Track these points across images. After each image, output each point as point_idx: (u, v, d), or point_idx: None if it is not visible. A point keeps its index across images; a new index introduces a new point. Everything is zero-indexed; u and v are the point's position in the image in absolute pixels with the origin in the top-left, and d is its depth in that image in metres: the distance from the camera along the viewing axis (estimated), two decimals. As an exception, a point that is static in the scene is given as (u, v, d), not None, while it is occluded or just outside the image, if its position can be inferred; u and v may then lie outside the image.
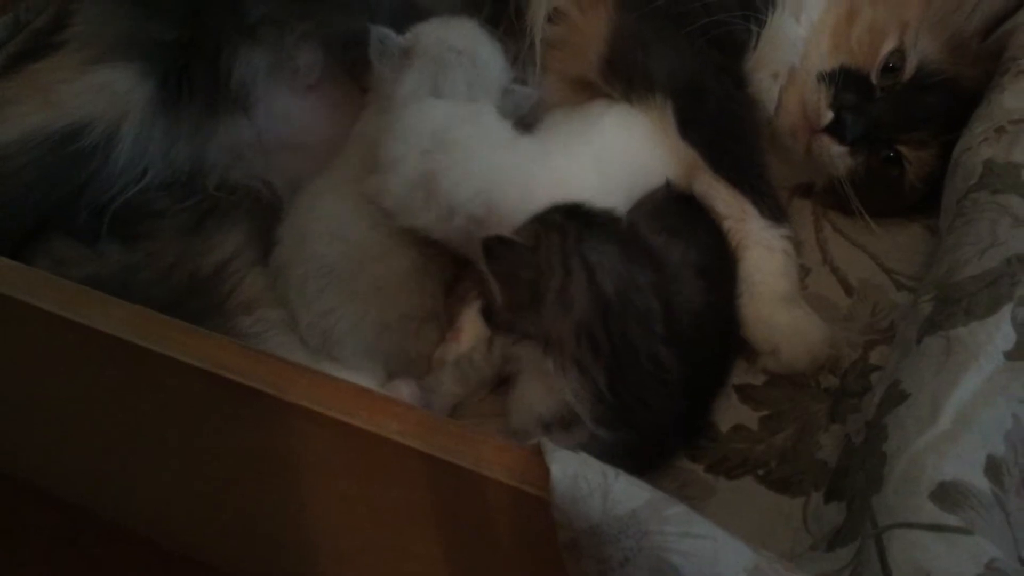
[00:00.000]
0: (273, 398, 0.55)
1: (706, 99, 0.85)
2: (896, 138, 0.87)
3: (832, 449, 0.74)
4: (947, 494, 0.56)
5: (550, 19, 0.94)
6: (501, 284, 0.68)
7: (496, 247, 0.67)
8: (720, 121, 0.85)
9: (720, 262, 0.79)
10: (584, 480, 0.50)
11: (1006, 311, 0.65)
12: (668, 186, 0.81)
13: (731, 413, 0.78)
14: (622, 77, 0.87)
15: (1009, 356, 0.63)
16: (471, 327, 0.79)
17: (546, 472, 0.50)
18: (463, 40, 0.85)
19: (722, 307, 0.77)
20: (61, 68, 0.86)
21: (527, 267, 0.67)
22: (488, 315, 0.75)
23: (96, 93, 0.84)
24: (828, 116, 0.86)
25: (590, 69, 0.90)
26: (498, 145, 0.81)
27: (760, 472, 0.74)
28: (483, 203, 0.76)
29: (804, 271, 0.88)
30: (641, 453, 0.67)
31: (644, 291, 0.67)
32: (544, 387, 0.68)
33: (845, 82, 0.86)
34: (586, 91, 0.91)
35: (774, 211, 0.83)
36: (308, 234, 0.81)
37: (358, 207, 0.81)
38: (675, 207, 0.80)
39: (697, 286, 0.74)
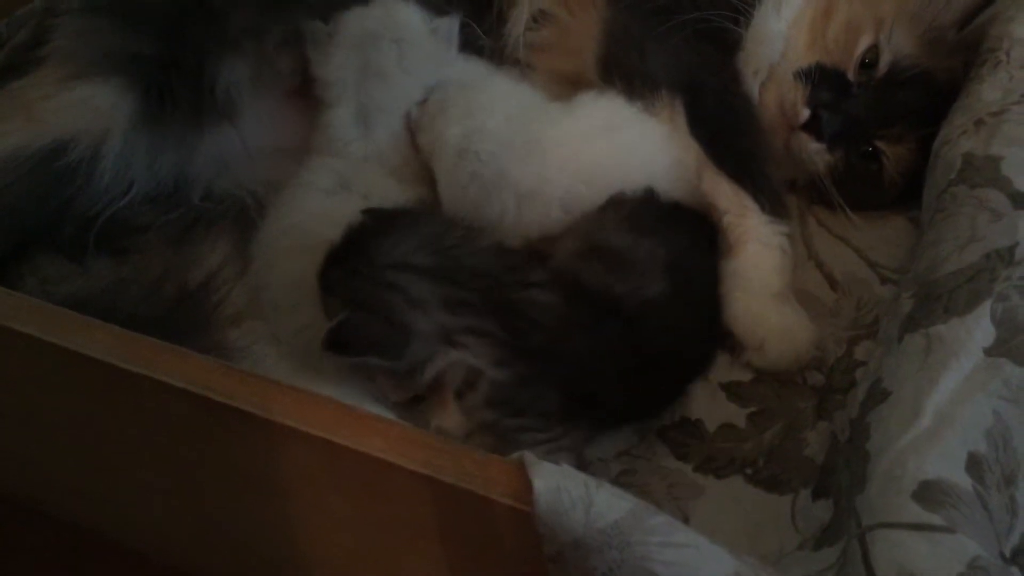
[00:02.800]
0: (257, 417, 0.55)
1: (705, 95, 0.86)
2: (873, 133, 0.88)
3: (819, 446, 0.75)
4: (929, 493, 0.57)
5: (535, 21, 0.94)
6: (379, 355, 0.67)
7: (338, 339, 0.66)
8: (720, 117, 0.86)
9: (693, 263, 0.79)
10: (566, 492, 0.51)
11: (985, 307, 0.65)
12: (647, 192, 0.81)
13: (719, 411, 0.78)
14: (621, 75, 0.87)
15: (989, 352, 0.63)
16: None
17: (529, 486, 0.50)
18: (382, 23, 0.87)
19: (689, 302, 0.77)
20: (42, 85, 0.86)
21: (374, 322, 0.67)
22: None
23: (78, 109, 0.84)
24: (805, 114, 0.87)
25: (585, 68, 0.91)
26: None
27: (748, 471, 0.74)
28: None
29: (789, 266, 0.89)
30: (542, 381, 0.69)
31: (445, 233, 0.72)
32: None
33: (821, 79, 0.87)
34: (577, 88, 0.90)
35: (775, 206, 0.83)
36: (276, 252, 0.81)
37: (327, 208, 0.82)
38: (649, 210, 0.80)
39: (660, 280, 0.74)
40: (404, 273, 0.68)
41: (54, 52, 0.87)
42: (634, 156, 0.83)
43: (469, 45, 0.93)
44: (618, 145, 0.83)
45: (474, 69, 0.92)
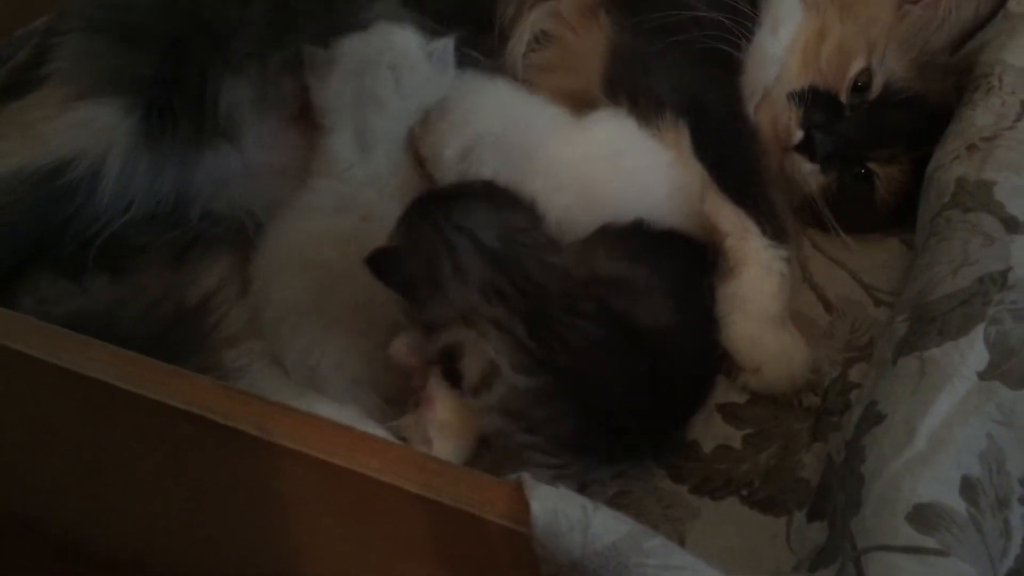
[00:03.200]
0: (255, 438, 0.55)
1: (709, 117, 0.87)
2: (865, 155, 0.89)
3: (814, 468, 0.75)
4: (923, 516, 0.57)
5: (537, 41, 0.95)
6: (403, 294, 0.70)
7: (380, 261, 0.69)
8: (724, 139, 0.86)
9: (688, 291, 0.79)
10: (564, 515, 0.51)
11: (979, 331, 0.66)
12: (637, 222, 0.81)
13: (715, 432, 0.79)
14: (626, 95, 0.88)
15: (982, 376, 0.64)
16: (441, 393, 0.76)
17: (526, 508, 0.51)
18: (379, 49, 0.88)
19: (692, 331, 0.77)
20: (43, 105, 0.86)
21: (416, 266, 0.69)
22: (452, 377, 0.76)
23: (79, 129, 0.84)
24: (798, 135, 0.88)
25: (590, 87, 0.91)
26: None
27: (744, 492, 0.74)
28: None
29: (784, 289, 0.89)
30: (562, 403, 0.68)
31: (527, 230, 0.71)
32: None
33: (814, 101, 0.88)
34: (579, 106, 0.91)
35: (776, 230, 0.84)
36: (276, 271, 0.82)
37: (326, 229, 0.82)
38: (640, 239, 0.80)
39: (664, 306, 0.74)
40: (464, 239, 0.69)
41: (55, 72, 0.88)
42: (635, 184, 0.83)
43: (470, 66, 0.93)
44: (621, 171, 0.84)
45: (474, 78, 0.92)
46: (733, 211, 0.83)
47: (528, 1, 0.95)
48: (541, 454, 0.68)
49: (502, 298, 0.68)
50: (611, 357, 0.70)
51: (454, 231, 0.69)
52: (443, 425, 0.74)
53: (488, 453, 0.74)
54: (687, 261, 0.81)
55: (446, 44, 0.90)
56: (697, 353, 0.77)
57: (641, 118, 0.86)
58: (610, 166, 0.84)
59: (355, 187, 0.86)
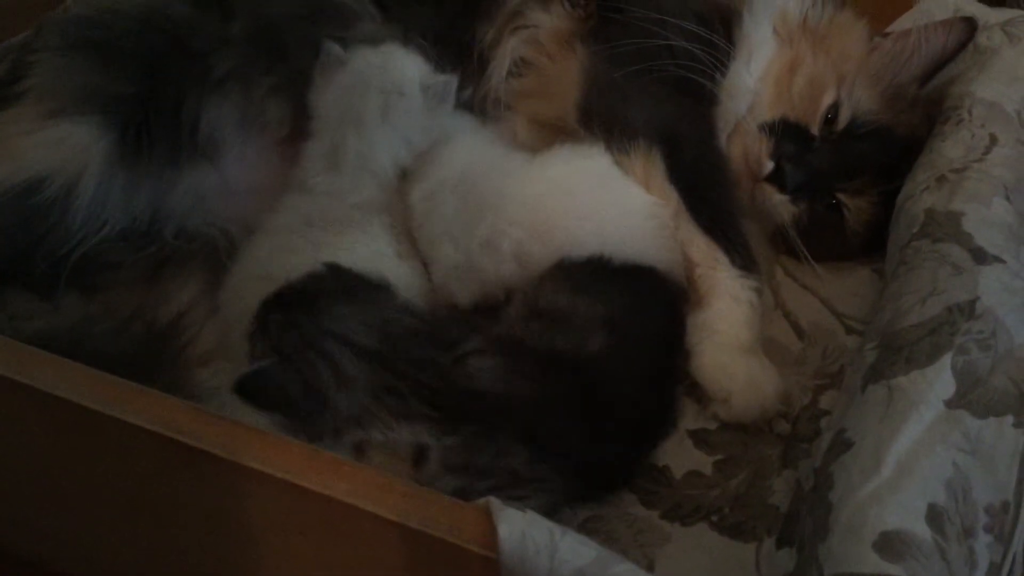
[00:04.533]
0: (224, 460, 0.55)
1: (684, 146, 0.87)
2: (835, 186, 0.90)
3: (784, 494, 0.75)
4: (889, 543, 0.57)
5: (516, 67, 0.95)
6: (285, 415, 0.65)
7: (251, 386, 0.65)
8: (697, 169, 0.87)
9: (637, 321, 0.79)
10: (531, 539, 0.51)
11: (946, 360, 0.66)
12: (591, 256, 0.81)
13: (686, 458, 0.79)
14: (601, 124, 0.88)
15: (949, 404, 0.64)
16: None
17: (494, 532, 0.51)
18: (377, 71, 0.88)
19: (636, 360, 0.77)
20: (19, 121, 0.86)
21: (293, 383, 0.65)
22: None
23: (55, 147, 0.84)
24: (768, 166, 0.88)
25: (566, 115, 0.92)
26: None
27: (714, 518, 0.74)
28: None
29: (757, 315, 0.90)
30: (499, 440, 0.68)
31: (395, 319, 0.70)
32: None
33: (785, 133, 0.89)
34: (558, 133, 0.92)
35: (745, 261, 0.84)
36: (241, 290, 0.81)
37: (288, 248, 0.82)
38: (589, 271, 0.80)
39: (598, 336, 0.74)
40: (343, 347, 0.67)
41: (32, 89, 0.88)
42: (591, 219, 0.83)
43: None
44: (575, 207, 0.84)
45: (458, 125, 0.92)
46: (704, 241, 0.84)
47: (508, 27, 0.96)
48: (505, 491, 0.67)
49: (394, 392, 0.66)
50: (525, 380, 0.70)
51: (327, 339, 0.66)
52: None
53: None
54: (645, 293, 0.81)
55: (448, 82, 0.89)
56: (643, 381, 0.77)
57: (614, 147, 0.86)
58: (564, 202, 0.84)
59: (319, 198, 0.86)
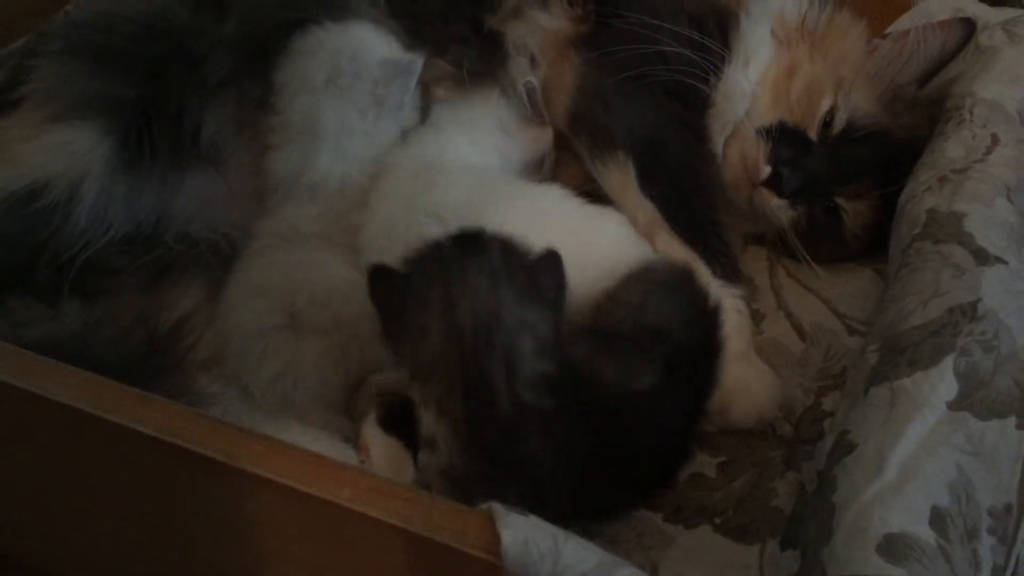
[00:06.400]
0: (226, 465, 0.55)
1: (667, 154, 0.87)
2: (833, 190, 0.90)
3: (787, 496, 0.75)
4: (893, 546, 0.57)
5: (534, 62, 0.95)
6: (381, 317, 0.67)
7: (378, 277, 0.67)
8: (679, 177, 0.87)
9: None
10: (535, 545, 0.51)
11: (948, 361, 0.66)
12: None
13: (689, 460, 0.79)
14: (585, 131, 0.89)
15: (951, 406, 0.64)
16: (376, 440, 0.76)
17: (497, 537, 0.51)
18: (331, 37, 0.87)
19: (676, 400, 0.73)
20: (20, 126, 0.86)
21: (409, 299, 0.66)
22: (386, 422, 0.76)
23: (56, 152, 0.84)
24: (766, 171, 0.88)
25: (558, 120, 0.92)
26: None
27: (717, 520, 0.74)
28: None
29: (759, 316, 0.90)
30: (504, 488, 0.62)
31: (511, 331, 0.65)
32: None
33: (782, 137, 0.88)
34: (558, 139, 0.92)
35: (727, 271, 0.84)
36: (236, 299, 0.82)
37: (279, 261, 0.83)
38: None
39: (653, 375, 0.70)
40: (440, 305, 0.65)
41: (32, 94, 0.87)
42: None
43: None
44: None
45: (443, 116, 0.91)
46: (683, 252, 0.84)
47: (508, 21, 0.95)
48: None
49: (448, 380, 0.64)
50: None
51: (440, 290, 0.65)
52: (380, 469, 0.73)
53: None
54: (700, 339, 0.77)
55: (413, 60, 0.87)
56: (672, 425, 0.73)
57: (595, 157, 0.87)
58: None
59: (302, 207, 0.86)
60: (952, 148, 0.85)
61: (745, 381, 0.80)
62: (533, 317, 0.66)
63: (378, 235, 0.83)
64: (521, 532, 0.51)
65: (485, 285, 0.65)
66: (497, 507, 0.52)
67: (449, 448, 0.64)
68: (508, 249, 0.68)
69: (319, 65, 0.86)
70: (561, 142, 0.95)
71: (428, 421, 0.66)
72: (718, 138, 0.91)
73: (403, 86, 0.87)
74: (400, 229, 0.81)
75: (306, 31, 0.88)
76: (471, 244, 0.68)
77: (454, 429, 0.64)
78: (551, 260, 0.69)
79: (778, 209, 0.89)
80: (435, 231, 0.74)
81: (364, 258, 0.81)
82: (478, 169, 0.87)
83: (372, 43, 0.88)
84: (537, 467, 0.64)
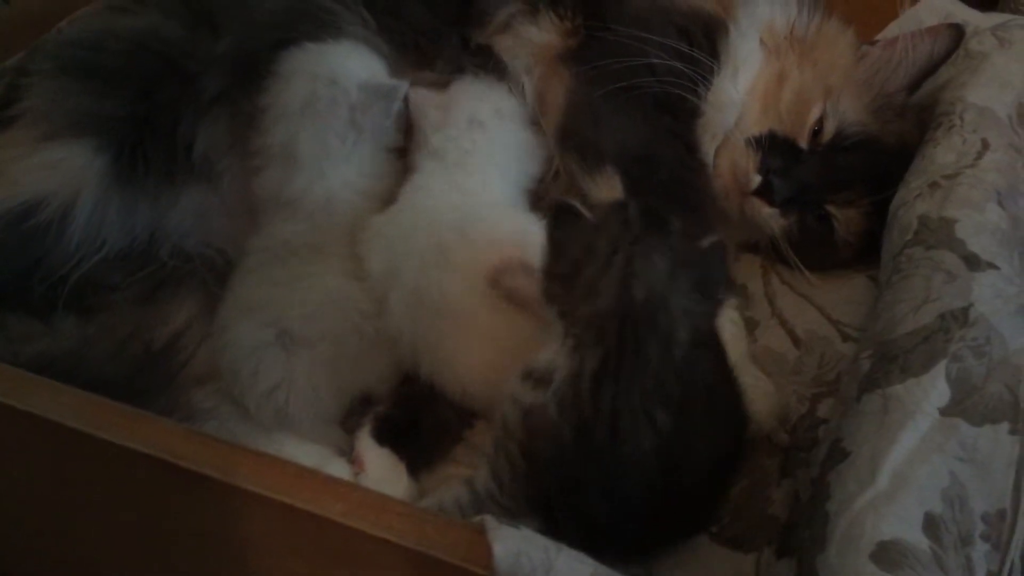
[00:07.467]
0: (219, 481, 0.55)
1: (657, 167, 0.87)
2: (824, 198, 0.90)
3: (783, 504, 0.75)
4: (886, 553, 0.58)
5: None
6: (552, 249, 0.67)
7: (563, 213, 0.66)
8: (670, 189, 0.86)
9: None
10: (527, 557, 0.51)
11: (940, 368, 0.66)
12: None
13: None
14: (575, 147, 0.89)
15: (944, 412, 0.64)
16: (370, 452, 0.77)
17: (489, 551, 0.51)
18: (314, 58, 0.87)
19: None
20: (14, 145, 0.86)
21: (580, 243, 0.65)
22: (380, 434, 0.76)
23: (50, 170, 0.84)
24: (756, 180, 0.88)
25: (550, 136, 0.92)
26: None
27: (713, 529, 0.74)
28: None
29: (753, 324, 0.90)
30: (579, 458, 0.64)
31: (673, 316, 0.64)
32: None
33: (772, 146, 0.89)
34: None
35: None
36: (227, 322, 0.82)
37: (272, 276, 0.83)
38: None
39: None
40: (620, 271, 0.63)
41: (26, 112, 0.88)
42: None
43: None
44: None
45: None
46: None
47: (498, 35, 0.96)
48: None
49: (599, 336, 0.63)
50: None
51: (623, 256, 0.63)
52: (375, 482, 0.74)
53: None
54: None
55: (396, 86, 0.87)
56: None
57: (585, 172, 0.87)
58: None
59: (298, 223, 0.86)
60: (943, 154, 0.85)
61: None
62: (698, 309, 0.65)
63: None
64: (513, 545, 0.51)
65: (664, 268, 0.64)
66: (489, 519, 0.52)
67: (559, 387, 0.63)
68: (685, 235, 0.68)
69: (296, 90, 0.86)
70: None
71: (553, 356, 0.65)
72: (708, 148, 0.91)
73: (384, 111, 0.87)
74: None
75: (289, 53, 0.88)
76: (655, 221, 0.67)
77: (578, 373, 0.63)
78: (719, 250, 0.68)
79: (769, 218, 0.89)
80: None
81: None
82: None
83: (352, 66, 0.87)
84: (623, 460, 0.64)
